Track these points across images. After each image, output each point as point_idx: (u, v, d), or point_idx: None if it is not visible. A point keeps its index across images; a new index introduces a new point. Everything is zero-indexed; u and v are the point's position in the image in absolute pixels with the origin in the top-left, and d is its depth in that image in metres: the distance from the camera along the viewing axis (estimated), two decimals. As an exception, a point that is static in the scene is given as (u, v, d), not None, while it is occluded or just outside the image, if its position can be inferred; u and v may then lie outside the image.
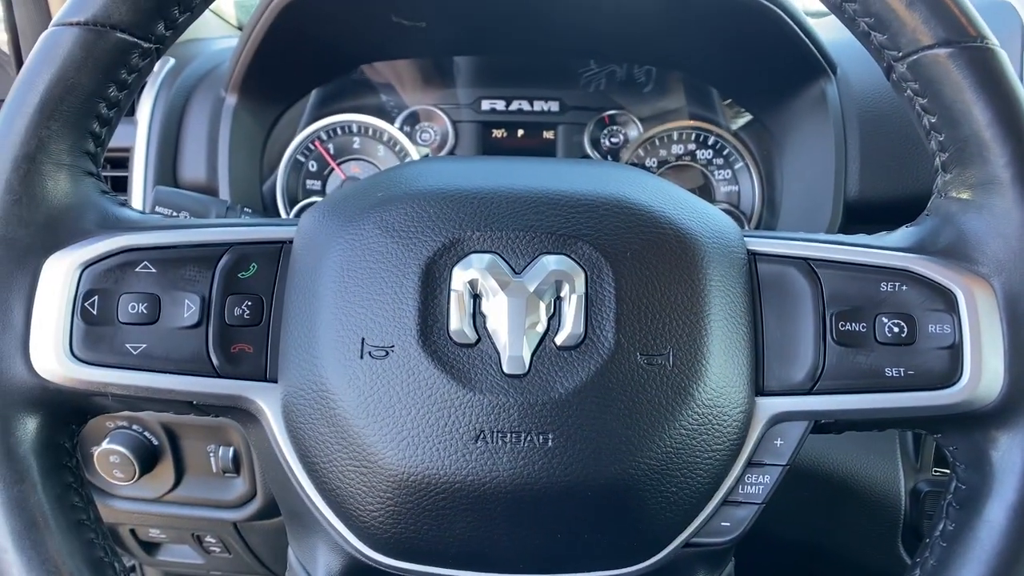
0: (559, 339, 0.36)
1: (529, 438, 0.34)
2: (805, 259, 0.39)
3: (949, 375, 0.37)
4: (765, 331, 0.38)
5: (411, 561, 0.38)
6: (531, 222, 0.37)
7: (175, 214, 0.56)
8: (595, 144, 0.83)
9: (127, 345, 0.37)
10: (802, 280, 0.39)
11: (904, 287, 0.38)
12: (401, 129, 0.82)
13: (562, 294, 0.36)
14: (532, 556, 0.37)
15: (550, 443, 0.34)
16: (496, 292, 0.36)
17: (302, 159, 0.81)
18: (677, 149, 0.81)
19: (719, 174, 0.80)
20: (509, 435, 0.34)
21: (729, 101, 0.82)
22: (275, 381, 0.38)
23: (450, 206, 0.37)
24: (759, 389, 0.38)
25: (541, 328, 0.36)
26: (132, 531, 0.83)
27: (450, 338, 0.36)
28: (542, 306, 0.36)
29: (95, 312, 0.37)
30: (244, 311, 0.38)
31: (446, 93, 0.84)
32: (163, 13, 0.39)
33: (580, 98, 0.83)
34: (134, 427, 0.71)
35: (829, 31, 0.71)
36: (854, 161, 0.69)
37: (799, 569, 0.80)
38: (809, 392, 0.38)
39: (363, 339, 0.36)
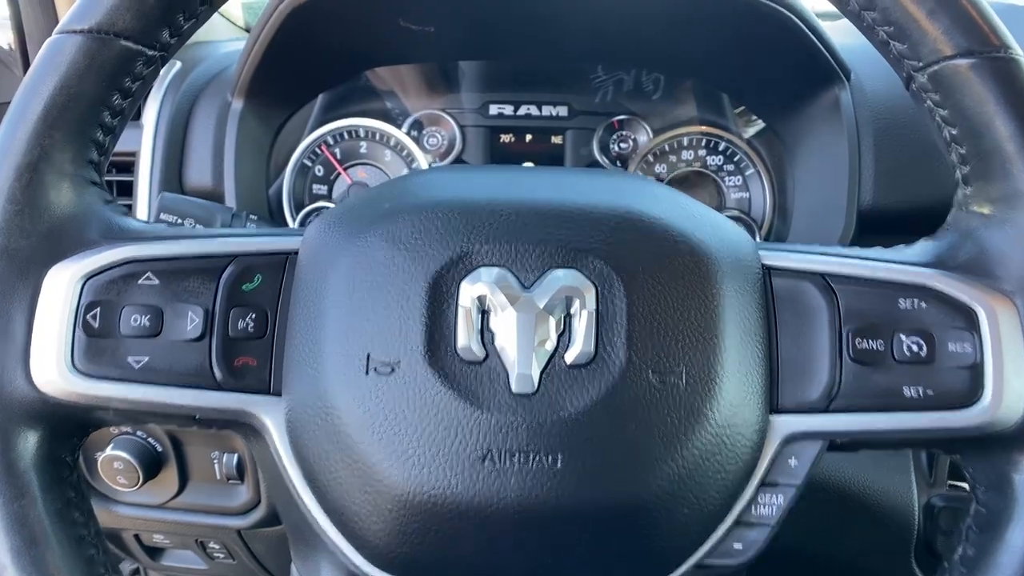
0: (569, 357, 0.35)
1: (538, 458, 0.34)
2: (821, 274, 0.38)
3: (969, 395, 0.36)
4: (780, 348, 0.37)
5: None
6: (541, 235, 0.36)
7: (180, 221, 0.56)
8: (604, 149, 0.82)
9: (129, 358, 0.36)
10: (818, 296, 0.38)
11: (923, 304, 0.37)
12: (408, 134, 0.81)
13: (572, 310, 0.35)
14: None
15: (559, 464, 0.34)
16: (505, 307, 0.35)
17: (308, 163, 0.80)
18: (687, 155, 0.80)
19: (730, 180, 0.79)
20: (517, 455, 0.34)
21: (741, 109, 0.81)
22: (279, 395, 0.37)
23: (458, 218, 0.37)
24: (773, 407, 0.37)
25: (551, 345, 0.35)
26: (136, 536, 0.83)
27: (457, 355, 0.35)
28: (552, 322, 0.35)
29: (97, 324, 0.36)
30: (248, 324, 0.37)
31: (453, 98, 0.83)
32: (168, 20, 0.38)
33: (589, 103, 0.82)
34: (138, 433, 0.70)
35: (842, 35, 0.69)
36: (868, 169, 0.68)
37: (810, 583, 0.79)
38: (824, 411, 0.37)
39: (369, 354, 0.35)
